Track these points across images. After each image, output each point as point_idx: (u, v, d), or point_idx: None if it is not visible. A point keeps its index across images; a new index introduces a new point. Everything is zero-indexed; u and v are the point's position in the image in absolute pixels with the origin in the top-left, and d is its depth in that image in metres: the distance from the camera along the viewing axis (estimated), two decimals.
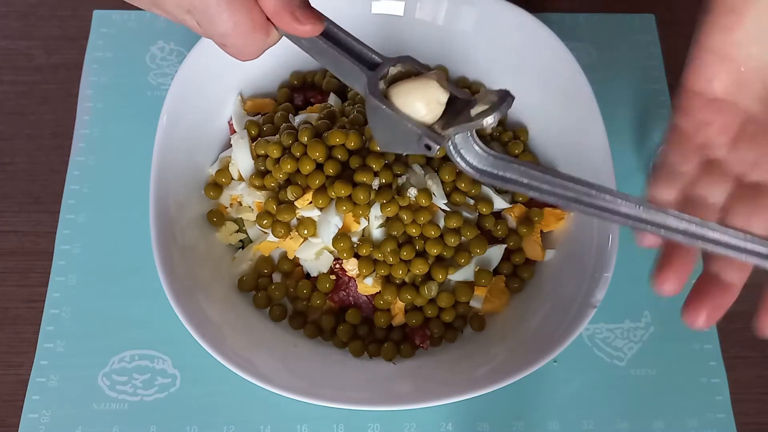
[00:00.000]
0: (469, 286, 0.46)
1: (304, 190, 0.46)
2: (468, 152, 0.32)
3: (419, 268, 0.45)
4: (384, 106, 0.32)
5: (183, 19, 0.31)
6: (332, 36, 0.33)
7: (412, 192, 0.44)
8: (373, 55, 0.33)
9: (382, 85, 0.32)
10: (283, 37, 0.32)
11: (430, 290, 0.45)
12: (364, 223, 0.45)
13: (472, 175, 0.32)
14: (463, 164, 0.32)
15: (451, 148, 0.32)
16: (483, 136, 0.52)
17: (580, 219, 0.48)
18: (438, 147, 0.31)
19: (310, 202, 0.45)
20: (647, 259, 0.52)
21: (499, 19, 0.51)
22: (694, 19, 0.34)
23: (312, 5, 0.31)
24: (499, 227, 0.48)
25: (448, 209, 0.46)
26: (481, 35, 0.52)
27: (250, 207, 0.48)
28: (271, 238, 0.47)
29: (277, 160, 0.46)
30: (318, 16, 0.31)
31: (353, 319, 0.46)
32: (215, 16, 0.29)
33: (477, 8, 0.51)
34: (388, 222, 0.45)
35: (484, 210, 0.47)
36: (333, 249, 0.45)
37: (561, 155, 0.51)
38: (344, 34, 0.33)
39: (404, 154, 0.47)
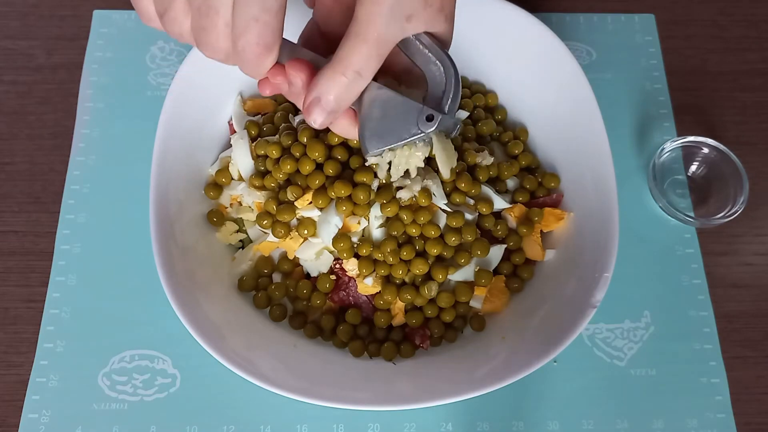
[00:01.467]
0: (469, 286, 0.46)
1: (304, 190, 0.46)
2: None
3: (419, 268, 0.45)
4: (386, 88, 0.34)
5: None
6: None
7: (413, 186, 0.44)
8: None
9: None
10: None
11: (430, 290, 0.45)
12: (364, 223, 0.45)
13: None
14: None
15: None
16: (482, 136, 0.52)
17: (580, 219, 0.48)
18: (440, 117, 0.34)
19: (310, 203, 0.45)
20: (647, 259, 0.52)
21: (499, 19, 0.51)
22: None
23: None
24: (499, 227, 0.48)
25: (448, 209, 0.46)
26: (481, 35, 0.51)
27: (250, 207, 0.48)
28: (271, 238, 0.47)
29: (277, 160, 0.46)
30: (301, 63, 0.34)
31: (353, 319, 0.46)
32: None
33: (477, 8, 0.51)
34: (388, 222, 0.45)
35: (484, 210, 0.47)
36: (333, 249, 0.45)
37: (561, 155, 0.51)
38: None
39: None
